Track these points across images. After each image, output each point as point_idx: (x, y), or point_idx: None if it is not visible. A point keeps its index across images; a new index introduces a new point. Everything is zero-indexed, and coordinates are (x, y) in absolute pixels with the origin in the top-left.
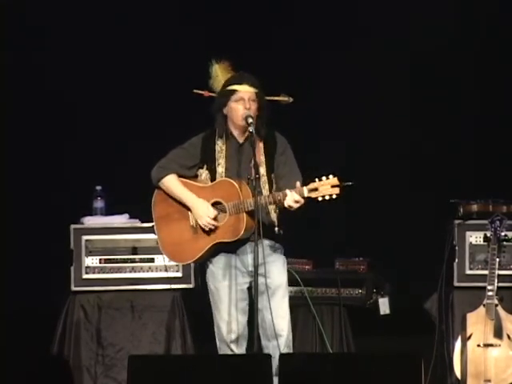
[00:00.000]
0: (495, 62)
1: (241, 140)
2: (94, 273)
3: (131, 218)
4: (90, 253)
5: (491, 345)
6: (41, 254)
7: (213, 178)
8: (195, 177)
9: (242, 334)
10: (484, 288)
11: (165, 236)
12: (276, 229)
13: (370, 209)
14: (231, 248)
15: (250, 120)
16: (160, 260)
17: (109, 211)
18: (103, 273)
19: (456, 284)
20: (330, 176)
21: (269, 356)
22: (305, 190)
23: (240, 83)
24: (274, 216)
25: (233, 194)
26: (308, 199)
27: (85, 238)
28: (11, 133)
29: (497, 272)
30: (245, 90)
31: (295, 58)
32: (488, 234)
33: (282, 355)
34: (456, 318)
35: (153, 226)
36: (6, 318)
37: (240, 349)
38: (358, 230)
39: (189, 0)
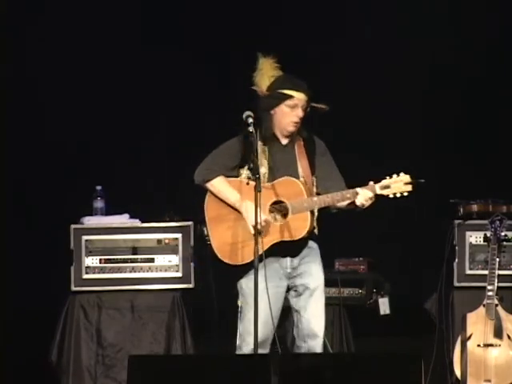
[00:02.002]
0: (496, 62)
1: (284, 142)
2: (94, 273)
3: (131, 217)
4: (90, 253)
5: (491, 345)
6: (41, 254)
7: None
8: (236, 177)
9: (268, 337)
10: (484, 288)
11: (218, 236)
12: (315, 230)
13: (370, 208)
14: (287, 248)
15: (251, 120)
16: (160, 260)
17: (109, 211)
18: (103, 273)
19: (456, 284)
20: (401, 173)
21: (268, 356)
22: (377, 187)
23: (298, 90)
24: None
25: (296, 192)
26: (379, 197)
27: (85, 237)
28: (11, 132)
29: (497, 272)
30: (301, 98)
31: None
32: (488, 234)
33: (282, 355)
34: (456, 318)
35: (200, 225)
36: (6, 318)
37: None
38: (358, 230)
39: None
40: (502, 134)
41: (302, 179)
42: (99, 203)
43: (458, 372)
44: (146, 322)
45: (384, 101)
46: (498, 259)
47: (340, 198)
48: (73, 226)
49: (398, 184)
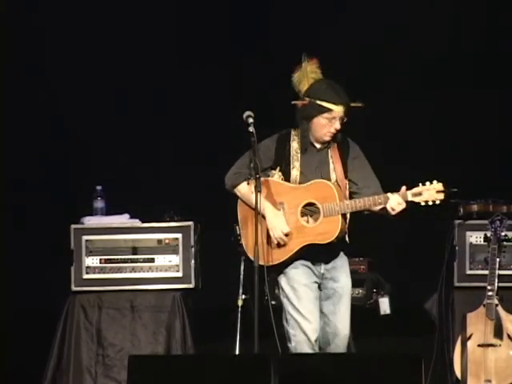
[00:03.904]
0: (496, 62)
1: (318, 146)
2: (94, 273)
3: (131, 217)
4: (90, 253)
5: (491, 345)
6: (41, 254)
7: (286, 180)
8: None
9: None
10: (484, 288)
11: (248, 237)
12: (346, 238)
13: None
14: (319, 253)
15: (251, 120)
16: (160, 260)
17: (109, 211)
18: (103, 273)
19: (456, 284)
20: (434, 181)
21: (268, 356)
22: (408, 194)
23: (336, 103)
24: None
25: (329, 196)
26: (411, 203)
27: (85, 237)
28: (12, 132)
29: (497, 272)
30: (339, 111)
31: None
32: (488, 234)
33: (282, 355)
34: (456, 318)
35: (236, 226)
36: (6, 318)
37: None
38: (358, 230)
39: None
40: (502, 133)
41: (334, 182)
42: (99, 203)
43: (458, 372)
44: (146, 322)
45: (383, 101)
46: (498, 259)
47: (372, 203)
48: (73, 226)
49: (431, 192)
